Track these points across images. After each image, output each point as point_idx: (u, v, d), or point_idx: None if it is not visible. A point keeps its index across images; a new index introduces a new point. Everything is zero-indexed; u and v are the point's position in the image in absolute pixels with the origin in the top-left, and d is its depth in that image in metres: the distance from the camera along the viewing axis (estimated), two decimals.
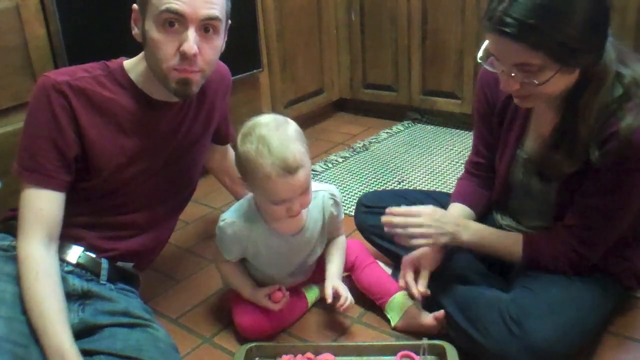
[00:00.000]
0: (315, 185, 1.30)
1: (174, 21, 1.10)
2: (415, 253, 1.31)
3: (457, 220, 1.28)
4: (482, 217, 1.41)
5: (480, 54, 1.13)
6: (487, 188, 1.42)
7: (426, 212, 1.25)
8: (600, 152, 1.08)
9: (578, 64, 1.06)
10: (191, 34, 1.10)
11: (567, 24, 0.99)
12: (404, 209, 1.26)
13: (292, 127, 1.21)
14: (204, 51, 1.14)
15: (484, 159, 1.41)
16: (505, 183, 1.34)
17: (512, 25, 0.99)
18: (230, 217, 1.30)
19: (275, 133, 1.17)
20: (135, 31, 1.19)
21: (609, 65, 1.08)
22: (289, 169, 1.14)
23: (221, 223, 1.30)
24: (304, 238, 1.34)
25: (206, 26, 1.13)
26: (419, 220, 1.23)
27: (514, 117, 1.29)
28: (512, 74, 1.07)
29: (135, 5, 1.17)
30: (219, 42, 1.19)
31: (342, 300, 1.31)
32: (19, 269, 1.10)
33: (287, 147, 1.15)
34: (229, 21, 1.22)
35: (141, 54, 1.23)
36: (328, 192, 1.36)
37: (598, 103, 1.08)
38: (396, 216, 1.25)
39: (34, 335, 1.05)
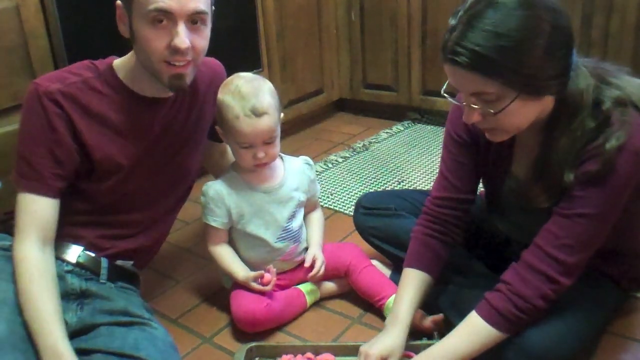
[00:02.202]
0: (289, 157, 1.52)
1: (163, 18, 1.11)
2: (381, 347, 1.16)
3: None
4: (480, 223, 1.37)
5: (444, 87, 1.09)
6: (449, 236, 1.28)
7: None
8: (578, 173, 1.05)
9: (538, 91, 1.01)
10: (181, 29, 1.12)
11: (519, 51, 0.96)
12: None
13: (267, 84, 1.38)
14: (194, 42, 1.15)
15: (453, 193, 1.28)
16: (498, 200, 1.30)
17: (464, 54, 0.97)
18: (212, 182, 1.45)
19: (250, 84, 1.34)
20: (123, 28, 1.19)
21: (584, 94, 1.04)
22: (255, 112, 1.30)
23: (204, 187, 1.43)
24: (283, 192, 1.44)
25: (194, 19, 1.14)
26: None
27: (502, 147, 1.21)
28: (472, 105, 1.04)
29: (118, 2, 1.17)
30: (208, 31, 1.20)
31: (313, 272, 1.43)
32: (15, 270, 1.10)
33: (257, 95, 1.32)
34: (213, 7, 1.22)
35: (131, 53, 1.23)
36: (303, 158, 1.53)
37: (572, 135, 1.05)
38: None
39: (30, 336, 1.05)
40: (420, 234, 1.30)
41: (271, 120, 1.33)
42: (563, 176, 1.06)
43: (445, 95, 1.11)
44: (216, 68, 1.45)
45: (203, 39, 1.18)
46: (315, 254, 1.46)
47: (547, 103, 1.06)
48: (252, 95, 1.31)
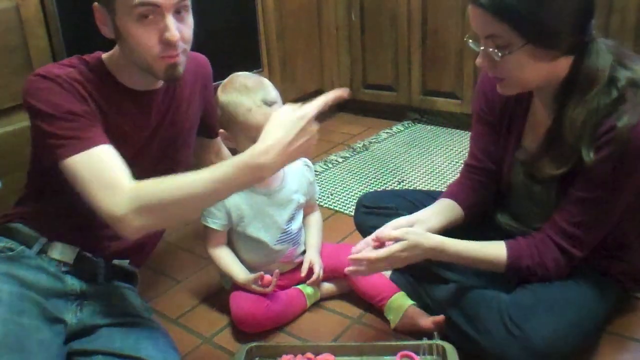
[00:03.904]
0: None
1: (149, 12, 1.10)
2: (394, 223, 1.23)
3: (432, 245, 1.19)
4: (479, 218, 1.40)
5: (468, 34, 1.15)
6: (481, 190, 1.38)
7: (390, 254, 1.17)
8: (596, 153, 1.08)
9: (548, 43, 1.05)
10: (170, 21, 1.10)
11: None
12: (368, 256, 1.18)
13: (266, 79, 1.41)
14: (182, 32, 1.14)
15: (479, 162, 1.37)
16: (507, 185, 1.34)
17: None
18: None
19: (252, 78, 1.38)
20: (105, 29, 1.17)
21: (601, 68, 1.08)
22: (266, 101, 1.32)
23: None
24: (283, 195, 1.44)
25: (178, 9, 1.13)
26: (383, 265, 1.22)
27: (513, 120, 1.29)
28: (485, 48, 1.09)
29: (96, 4, 1.16)
30: (191, 18, 1.19)
31: (313, 278, 1.44)
32: (143, 193, 1.03)
33: (263, 87, 1.35)
34: None
35: (116, 47, 1.21)
36: (302, 160, 1.51)
37: (587, 106, 1.08)
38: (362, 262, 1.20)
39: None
40: (455, 183, 1.41)
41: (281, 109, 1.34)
42: (574, 146, 1.10)
43: (468, 41, 1.14)
44: (201, 60, 1.43)
45: (189, 27, 1.17)
46: (312, 259, 1.46)
47: (559, 67, 1.10)
48: (258, 88, 1.33)
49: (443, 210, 1.33)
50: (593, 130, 1.08)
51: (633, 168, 1.09)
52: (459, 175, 1.44)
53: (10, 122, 1.61)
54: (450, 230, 1.29)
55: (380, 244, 1.20)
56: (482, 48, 1.10)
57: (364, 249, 1.22)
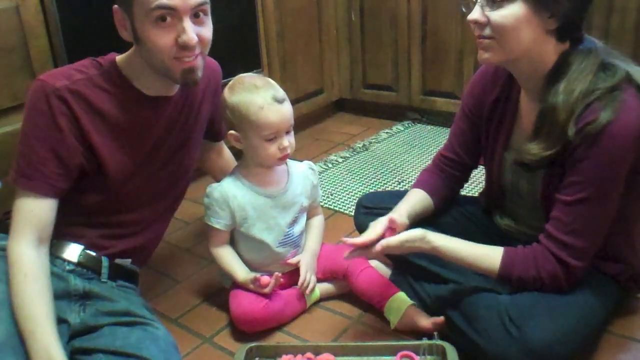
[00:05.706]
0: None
1: (166, 15, 1.10)
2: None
3: (435, 243, 1.22)
4: (444, 211, 1.45)
5: None
6: (451, 183, 1.45)
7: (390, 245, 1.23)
8: (577, 133, 1.08)
9: (545, 5, 1.07)
10: (187, 24, 1.11)
11: None
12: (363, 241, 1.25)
13: (271, 80, 1.41)
14: (200, 34, 1.14)
15: (457, 156, 1.43)
16: (498, 185, 1.34)
17: None
18: (216, 183, 1.44)
19: (259, 78, 1.40)
20: (124, 33, 1.18)
21: (594, 51, 1.12)
22: (277, 99, 1.33)
23: (208, 189, 1.42)
24: (287, 197, 1.45)
25: (196, 12, 1.13)
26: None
27: (502, 121, 1.30)
28: (480, 2, 1.11)
29: (115, 7, 1.16)
30: (210, 21, 1.19)
31: (300, 281, 1.42)
32: (9, 270, 1.09)
33: (271, 85, 1.37)
34: None
35: (132, 50, 1.22)
36: (307, 163, 1.54)
37: (581, 85, 1.09)
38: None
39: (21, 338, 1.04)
40: (427, 172, 1.46)
41: (290, 106, 1.36)
42: (566, 124, 1.10)
43: (461, 4, 1.16)
44: (213, 65, 1.44)
45: (208, 30, 1.18)
46: (301, 260, 1.45)
47: (548, 50, 1.12)
48: (268, 86, 1.35)
49: (415, 202, 1.38)
50: (583, 109, 1.08)
51: (615, 165, 1.09)
52: (430, 165, 1.49)
53: (10, 122, 1.61)
54: (453, 234, 1.29)
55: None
56: (478, 1, 1.12)
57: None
